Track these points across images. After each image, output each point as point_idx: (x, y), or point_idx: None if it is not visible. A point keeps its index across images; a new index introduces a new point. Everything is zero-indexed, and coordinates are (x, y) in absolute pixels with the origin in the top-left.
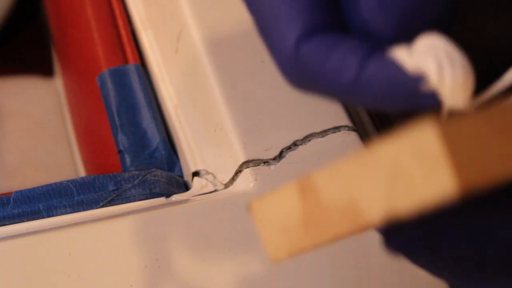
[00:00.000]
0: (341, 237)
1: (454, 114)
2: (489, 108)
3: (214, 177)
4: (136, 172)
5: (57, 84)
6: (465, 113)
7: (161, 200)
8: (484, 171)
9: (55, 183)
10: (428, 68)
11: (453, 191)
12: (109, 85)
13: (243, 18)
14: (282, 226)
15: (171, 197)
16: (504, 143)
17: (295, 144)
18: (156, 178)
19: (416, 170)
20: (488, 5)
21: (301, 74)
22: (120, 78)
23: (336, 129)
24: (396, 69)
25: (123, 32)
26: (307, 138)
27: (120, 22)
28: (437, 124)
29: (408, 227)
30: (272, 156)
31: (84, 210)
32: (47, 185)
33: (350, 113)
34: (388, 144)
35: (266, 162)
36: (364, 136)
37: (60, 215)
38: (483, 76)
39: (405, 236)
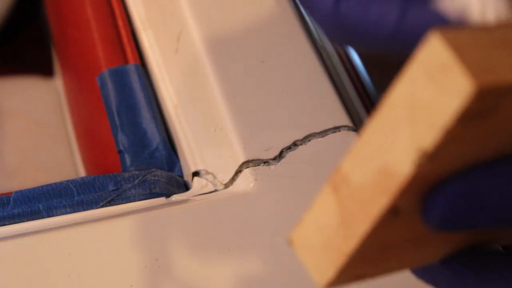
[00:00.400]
0: (381, 218)
1: (455, 29)
2: (490, 25)
3: (214, 177)
4: (136, 172)
5: (57, 84)
6: (466, 28)
7: (161, 200)
8: (498, 75)
9: (55, 183)
10: (471, 2)
11: (472, 93)
12: (109, 85)
13: (243, 18)
14: (322, 240)
15: (171, 197)
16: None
17: (295, 144)
18: (156, 178)
19: (431, 90)
20: None
21: (342, 31)
22: (120, 78)
23: (336, 129)
24: (437, 14)
25: (123, 32)
26: (307, 138)
27: (120, 22)
28: (440, 34)
29: (450, 186)
30: (272, 156)
31: (84, 210)
32: (47, 185)
33: (350, 113)
34: (395, 84)
35: (266, 162)
36: None
37: (60, 215)
38: None
39: (447, 195)
